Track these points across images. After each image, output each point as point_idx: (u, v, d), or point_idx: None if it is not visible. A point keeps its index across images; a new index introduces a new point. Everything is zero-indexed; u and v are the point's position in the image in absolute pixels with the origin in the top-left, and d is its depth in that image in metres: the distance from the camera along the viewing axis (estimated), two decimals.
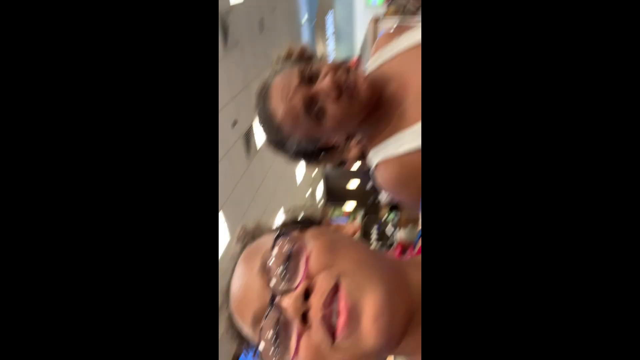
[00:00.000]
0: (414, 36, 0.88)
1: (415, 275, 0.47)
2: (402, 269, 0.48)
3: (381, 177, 0.86)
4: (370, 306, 0.41)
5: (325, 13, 8.30)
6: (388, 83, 0.86)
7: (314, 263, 0.44)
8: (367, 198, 9.06)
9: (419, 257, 0.54)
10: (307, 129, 0.81)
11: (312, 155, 0.89)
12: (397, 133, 0.83)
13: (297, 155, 0.88)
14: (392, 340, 0.43)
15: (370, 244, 7.26)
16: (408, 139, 0.81)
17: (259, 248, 0.49)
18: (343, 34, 8.47)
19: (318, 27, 8.37)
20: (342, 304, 0.41)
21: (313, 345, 0.42)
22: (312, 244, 0.46)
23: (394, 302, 0.42)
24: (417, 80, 0.81)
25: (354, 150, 0.98)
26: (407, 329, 0.44)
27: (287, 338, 0.43)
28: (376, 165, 0.87)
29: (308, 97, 0.78)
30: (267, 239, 0.50)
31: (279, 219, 0.58)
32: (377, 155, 0.86)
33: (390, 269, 0.47)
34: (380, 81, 0.86)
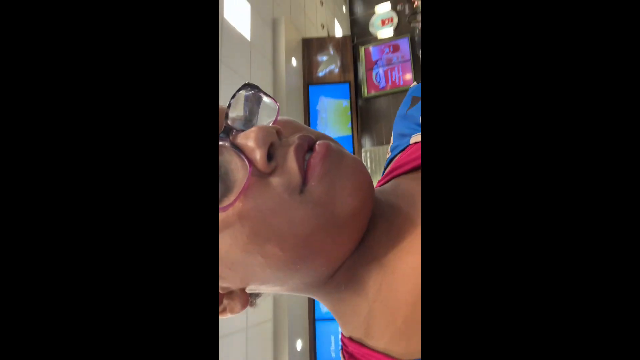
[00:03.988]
0: None
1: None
2: None
3: None
4: (350, 164, 0.35)
5: None
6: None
7: (285, 124, 0.38)
8: None
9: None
10: None
11: None
12: None
13: None
14: (365, 214, 0.36)
15: None
16: None
17: None
18: None
19: None
20: (319, 147, 0.34)
21: (277, 188, 0.33)
22: (283, 117, 0.40)
23: (371, 184, 0.36)
24: None
25: None
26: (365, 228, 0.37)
27: (231, 179, 0.34)
28: None
29: None
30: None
31: None
32: None
33: None
34: None
